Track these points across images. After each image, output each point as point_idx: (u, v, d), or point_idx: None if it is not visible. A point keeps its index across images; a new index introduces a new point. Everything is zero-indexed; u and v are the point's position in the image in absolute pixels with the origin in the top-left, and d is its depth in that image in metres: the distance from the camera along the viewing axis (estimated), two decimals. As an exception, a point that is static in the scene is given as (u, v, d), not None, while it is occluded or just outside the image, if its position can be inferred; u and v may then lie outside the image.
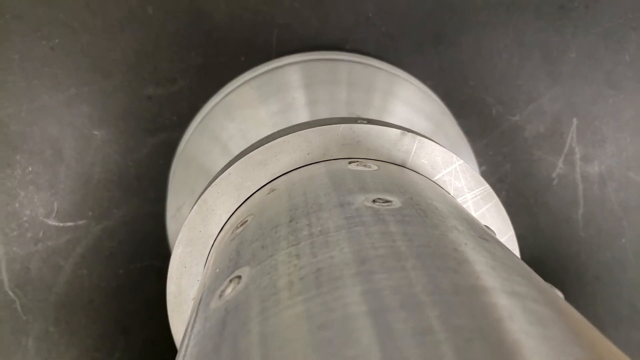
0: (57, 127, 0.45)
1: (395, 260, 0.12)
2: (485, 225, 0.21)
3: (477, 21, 0.47)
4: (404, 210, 0.16)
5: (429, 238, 0.14)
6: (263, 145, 0.22)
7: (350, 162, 0.22)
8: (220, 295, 0.15)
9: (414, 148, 0.23)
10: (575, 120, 0.49)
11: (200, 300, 0.16)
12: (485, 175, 0.49)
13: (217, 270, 0.17)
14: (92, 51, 0.44)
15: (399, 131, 0.23)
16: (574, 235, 0.51)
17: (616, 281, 0.52)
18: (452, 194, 0.23)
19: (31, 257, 0.47)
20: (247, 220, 0.19)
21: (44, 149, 0.45)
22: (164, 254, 0.48)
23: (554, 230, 0.51)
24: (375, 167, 0.21)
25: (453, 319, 0.10)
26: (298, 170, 0.22)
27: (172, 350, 0.47)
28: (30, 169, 0.46)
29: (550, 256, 0.51)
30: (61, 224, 0.47)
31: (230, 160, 0.24)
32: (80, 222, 0.47)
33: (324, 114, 0.39)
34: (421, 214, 0.16)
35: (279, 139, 0.22)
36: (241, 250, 0.17)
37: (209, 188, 0.23)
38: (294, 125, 0.24)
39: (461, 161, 0.23)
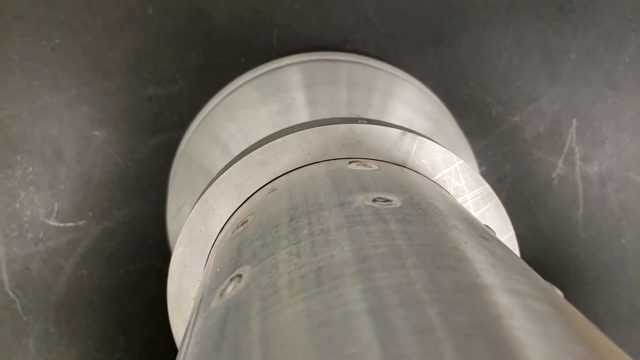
0: (57, 127, 0.45)
1: (396, 259, 0.12)
2: (485, 225, 0.21)
3: (477, 21, 0.47)
4: (404, 209, 0.16)
5: (429, 237, 0.14)
6: (263, 145, 0.22)
7: (350, 162, 0.22)
8: (221, 294, 0.15)
9: (414, 148, 0.23)
10: (575, 121, 0.49)
11: (201, 299, 0.16)
12: (485, 175, 0.49)
13: (218, 269, 0.17)
14: (93, 51, 0.45)
15: (399, 131, 0.23)
16: (574, 236, 0.51)
17: (616, 281, 0.52)
18: (452, 194, 0.23)
19: (32, 258, 0.47)
20: (247, 220, 0.19)
21: (44, 150, 0.45)
22: (165, 255, 0.48)
23: (554, 231, 0.51)
24: (376, 167, 0.21)
25: (453, 317, 0.10)
26: (298, 170, 0.22)
27: (173, 350, 0.47)
28: (30, 169, 0.46)
29: (550, 256, 0.51)
30: (61, 225, 0.47)
31: (231, 160, 0.24)
32: (81, 223, 0.47)
33: (324, 114, 0.39)
34: (421, 213, 0.16)
35: (279, 139, 0.22)
36: (242, 249, 0.17)
37: (209, 188, 0.23)
38: (294, 126, 0.24)
39: (461, 161, 0.23)
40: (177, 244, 0.23)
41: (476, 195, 0.24)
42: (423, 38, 0.47)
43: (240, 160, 0.22)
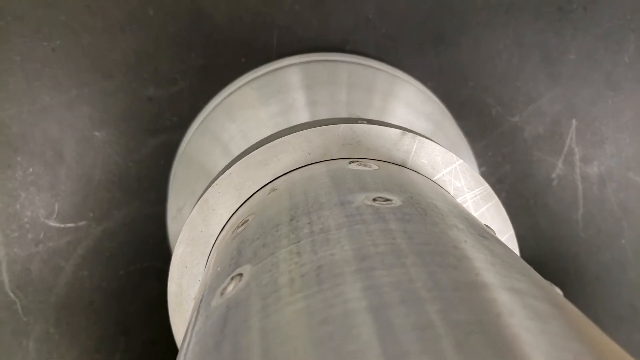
0: (58, 128, 0.45)
1: (396, 257, 0.12)
2: (485, 225, 0.21)
3: (476, 22, 0.47)
4: (404, 208, 0.16)
5: (429, 236, 0.14)
6: (264, 145, 0.22)
7: (350, 162, 0.22)
8: (222, 293, 0.15)
9: (414, 148, 0.23)
10: (574, 121, 0.49)
11: (202, 298, 0.17)
12: (485, 176, 0.49)
13: (219, 269, 0.17)
14: (93, 52, 0.45)
15: (399, 131, 0.23)
16: (574, 236, 0.51)
17: (616, 282, 0.52)
18: (452, 194, 0.23)
19: (32, 258, 0.47)
20: (248, 220, 0.19)
21: (44, 150, 0.46)
22: (165, 255, 0.48)
23: (554, 231, 0.51)
24: (376, 167, 0.21)
25: (453, 314, 0.10)
26: (299, 170, 0.22)
27: (173, 351, 0.47)
28: (31, 170, 0.46)
29: (550, 257, 0.51)
30: (62, 225, 0.47)
31: (231, 161, 0.24)
32: (81, 223, 0.47)
33: (324, 114, 0.40)
34: (421, 212, 0.16)
35: (279, 139, 0.22)
36: (242, 248, 0.17)
37: (210, 188, 0.23)
38: (294, 126, 0.24)
39: (461, 161, 0.23)
40: (177, 244, 0.23)
41: (476, 195, 0.24)
42: (423, 39, 0.47)
43: (240, 161, 0.22)
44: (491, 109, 0.48)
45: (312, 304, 0.11)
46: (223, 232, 0.22)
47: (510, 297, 0.11)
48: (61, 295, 0.47)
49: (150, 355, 0.49)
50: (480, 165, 0.49)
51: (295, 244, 0.15)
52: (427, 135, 0.24)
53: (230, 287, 0.15)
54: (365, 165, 0.21)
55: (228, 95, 0.44)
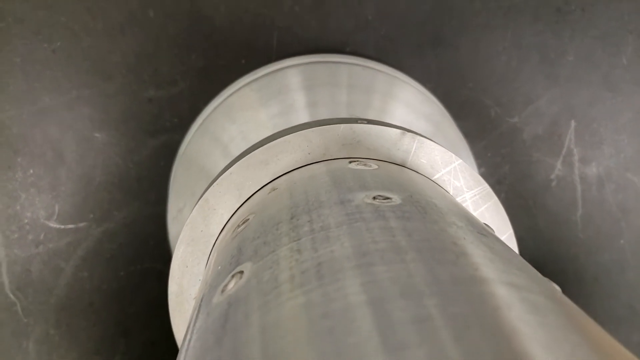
0: (58, 129, 0.45)
1: (395, 254, 0.13)
2: (485, 223, 0.21)
3: (475, 24, 0.47)
4: (404, 206, 0.16)
5: (428, 233, 0.14)
6: (264, 145, 0.23)
7: (350, 162, 0.22)
8: (223, 291, 0.15)
9: (414, 148, 0.23)
10: (573, 122, 0.49)
11: (202, 297, 0.17)
12: (484, 176, 0.49)
13: (219, 267, 0.17)
14: (93, 54, 0.45)
15: (398, 131, 0.23)
16: (573, 237, 0.51)
17: (615, 283, 0.52)
18: (451, 193, 0.24)
19: (32, 260, 0.47)
20: (248, 219, 0.19)
21: (45, 152, 0.46)
22: (165, 256, 0.48)
23: (553, 232, 0.51)
24: (375, 167, 0.21)
25: (451, 308, 0.10)
26: (299, 169, 0.23)
27: (173, 352, 0.48)
28: (31, 171, 0.46)
29: (549, 258, 0.51)
30: (62, 226, 0.47)
31: (232, 160, 0.24)
32: (81, 225, 0.47)
33: (324, 115, 0.40)
34: (420, 211, 0.16)
35: (279, 139, 0.23)
36: (243, 247, 0.17)
37: (210, 187, 0.23)
38: (294, 126, 0.24)
39: (460, 161, 0.23)
40: (178, 243, 0.23)
41: (475, 195, 0.24)
42: (422, 40, 0.47)
43: (241, 160, 0.23)
44: (490, 109, 0.49)
45: (312, 298, 0.11)
46: (223, 232, 0.22)
47: (509, 291, 0.11)
48: (61, 296, 0.47)
49: (150, 356, 0.49)
50: (479, 166, 0.49)
51: (295, 242, 0.15)
52: (426, 136, 0.24)
53: (231, 285, 0.15)
54: (365, 164, 0.21)
55: (228, 97, 0.44)
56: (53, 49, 0.44)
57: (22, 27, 0.44)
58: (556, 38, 0.48)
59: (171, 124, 0.46)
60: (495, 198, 0.24)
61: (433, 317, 0.10)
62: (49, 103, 0.45)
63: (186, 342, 0.15)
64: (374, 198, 0.17)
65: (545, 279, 0.14)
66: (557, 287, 0.14)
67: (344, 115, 0.40)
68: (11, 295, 0.47)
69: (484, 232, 0.16)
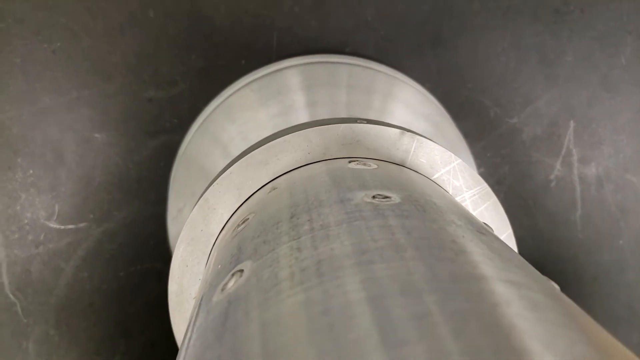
0: (58, 130, 0.46)
1: (394, 251, 0.13)
2: (484, 223, 0.21)
3: (474, 24, 0.47)
4: (403, 205, 0.16)
5: (428, 231, 0.14)
6: (264, 145, 0.23)
7: (350, 161, 0.22)
8: (223, 289, 0.15)
9: (413, 147, 0.23)
10: (572, 123, 0.49)
11: (202, 296, 0.17)
12: (484, 176, 0.49)
13: (219, 266, 0.18)
14: (93, 54, 0.45)
15: (398, 131, 0.23)
16: (572, 237, 0.51)
17: (614, 283, 0.52)
18: (450, 193, 0.24)
19: (32, 260, 0.47)
20: (248, 218, 0.20)
21: (45, 152, 0.46)
22: (165, 256, 0.48)
23: (552, 232, 0.51)
24: (375, 166, 0.21)
25: (450, 304, 0.10)
26: (298, 169, 0.23)
27: (173, 352, 0.48)
28: (31, 171, 0.46)
29: (549, 258, 0.52)
30: (62, 227, 0.47)
31: (232, 160, 0.24)
32: (81, 225, 0.47)
33: (323, 115, 0.40)
34: (420, 209, 0.16)
35: (279, 139, 0.23)
36: (243, 246, 0.17)
37: (210, 187, 0.23)
38: (294, 126, 0.24)
39: (459, 160, 0.23)
40: (178, 243, 0.23)
41: (474, 194, 0.24)
42: (422, 41, 0.47)
43: (241, 160, 0.23)
44: (489, 110, 0.49)
45: (312, 295, 0.11)
46: (223, 232, 0.22)
47: (508, 288, 0.11)
48: (61, 296, 0.47)
49: (150, 356, 0.49)
50: (479, 166, 0.50)
51: (295, 240, 0.15)
52: (426, 136, 0.24)
53: (231, 283, 0.15)
54: (364, 164, 0.21)
55: (228, 97, 0.44)
56: (53, 50, 0.44)
57: (22, 27, 0.44)
58: (555, 39, 0.48)
59: (171, 124, 0.46)
60: (494, 197, 0.24)
61: (432, 314, 0.10)
62: (49, 103, 0.45)
63: (186, 341, 0.15)
64: (374, 197, 0.17)
65: (544, 277, 0.14)
66: (556, 286, 0.15)
67: (343, 115, 0.40)
68: (11, 296, 0.47)
69: (483, 231, 0.16)
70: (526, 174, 0.50)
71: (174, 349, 0.26)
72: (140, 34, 0.45)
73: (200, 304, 0.16)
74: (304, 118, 0.39)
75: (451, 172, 0.24)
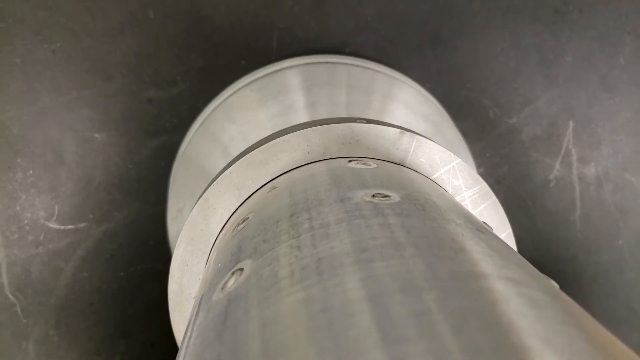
0: (58, 130, 0.46)
1: (394, 250, 0.13)
2: (483, 222, 0.21)
3: (474, 25, 0.47)
4: (403, 204, 0.16)
5: (427, 229, 0.14)
6: (264, 144, 0.23)
7: (350, 161, 0.22)
8: (223, 288, 0.15)
9: (413, 147, 0.23)
10: (571, 123, 0.49)
11: (202, 295, 0.17)
12: (483, 177, 0.49)
13: (219, 265, 0.18)
14: (93, 54, 0.45)
15: (397, 130, 0.23)
16: (572, 237, 0.51)
17: (613, 283, 0.52)
18: (450, 192, 0.24)
19: (32, 260, 0.47)
20: (248, 218, 0.20)
21: (45, 152, 0.46)
22: (165, 257, 0.48)
23: (552, 232, 0.51)
24: (375, 166, 0.21)
25: (450, 302, 0.10)
26: (298, 169, 0.23)
27: (173, 352, 0.48)
28: (31, 171, 0.46)
29: (548, 258, 0.52)
30: (62, 227, 0.47)
31: (232, 160, 0.24)
32: (81, 225, 0.47)
33: (323, 115, 0.40)
34: (419, 208, 0.16)
35: (279, 139, 0.23)
36: (243, 245, 0.17)
37: (210, 187, 0.23)
38: (294, 125, 0.24)
39: (459, 160, 0.24)
40: (178, 242, 0.23)
41: (474, 194, 0.24)
42: (421, 41, 0.47)
43: (240, 160, 0.23)
44: (489, 110, 0.49)
45: (312, 293, 0.11)
46: (223, 231, 0.22)
47: (507, 286, 0.11)
48: (61, 297, 0.47)
49: (150, 357, 0.49)
50: (478, 166, 0.50)
51: (295, 239, 0.15)
52: (425, 136, 0.24)
53: (231, 282, 0.15)
54: (364, 163, 0.21)
55: (228, 97, 0.44)
56: (53, 50, 0.44)
57: (22, 27, 0.44)
58: (554, 39, 0.48)
59: (171, 125, 0.47)
60: (493, 197, 0.24)
61: (432, 311, 0.10)
62: (49, 103, 0.45)
63: (186, 339, 0.15)
64: (373, 196, 0.17)
65: (543, 276, 0.14)
66: (555, 284, 0.15)
67: (343, 115, 0.40)
68: (11, 296, 0.47)
69: (482, 230, 0.16)
70: (525, 174, 0.50)
71: (174, 349, 0.26)
72: (140, 34, 0.45)
73: (200, 302, 0.16)
74: (303, 118, 0.40)
75: (450, 172, 0.24)
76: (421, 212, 0.16)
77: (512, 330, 0.10)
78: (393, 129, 0.23)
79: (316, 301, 0.11)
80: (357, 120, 0.23)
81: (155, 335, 0.49)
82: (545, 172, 0.50)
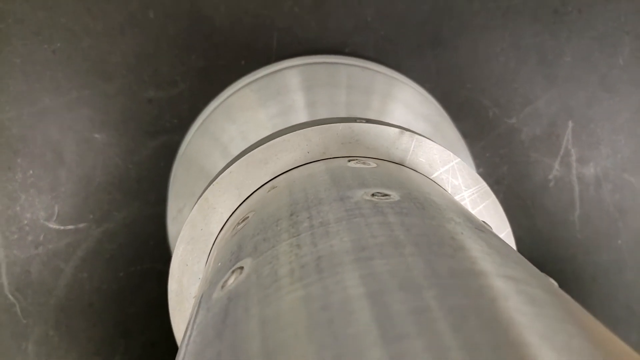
0: (58, 130, 0.46)
1: (393, 248, 0.13)
2: (483, 221, 0.21)
3: (474, 25, 0.47)
4: (402, 203, 0.16)
5: (427, 228, 0.14)
6: (263, 144, 0.23)
7: (349, 160, 0.22)
8: (223, 286, 0.15)
9: (412, 146, 0.23)
10: (570, 123, 0.50)
11: (202, 294, 0.17)
12: (483, 176, 0.50)
13: (219, 264, 0.18)
14: (93, 55, 0.45)
15: (397, 130, 0.23)
16: (571, 237, 0.51)
17: (612, 283, 0.52)
18: (449, 192, 0.24)
19: (31, 261, 0.47)
20: (248, 217, 0.20)
21: (45, 152, 0.46)
22: (165, 257, 0.48)
23: (551, 232, 0.51)
24: (374, 165, 0.21)
25: (449, 299, 0.10)
26: (298, 168, 0.23)
27: (173, 352, 0.48)
28: (31, 172, 0.46)
29: (547, 258, 0.52)
30: (62, 227, 0.47)
31: (232, 160, 0.24)
32: (81, 225, 0.47)
33: (323, 115, 0.40)
34: (419, 207, 0.16)
35: (279, 138, 0.23)
36: (243, 244, 0.17)
37: (210, 186, 0.23)
38: (294, 125, 0.24)
39: (458, 159, 0.24)
40: (178, 242, 0.23)
41: (473, 193, 0.24)
42: (421, 41, 0.47)
43: (240, 159, 0.23)
44: (488, 110, 0.49)
45: (312, 291, 0.12)
46: (223, 230, 0.22)
47: (506, 283, 0.11)
48: (61, 297, 0.47)
49: (150, 357, 0.49)
50: (478, 166, 0.50)
51: (295, 237, 0.15)
52: (425, 135, 0.24)
53: (231, 280, 0.15)
54: (364, 163, 0.21)
55: (228, 97, 0.44)
56: (53, 50, 0.44)
57: (22, 27, 0.44)
58: (554, 39, 0.48)
59: (171, 125, 0.47)
60: (493, 196, 0.24)
61: (431, 309, 0.10)
62: (49, 104, 0.45)
63: (186, 338, 0.15)
64: (373, 195, 0.17)
65: (542, 274, 0.14)
66: (554, 282, 0.15)
67: (343, 115, 0.40)
68: (10, 297, 0.47)
69: (481, 228, 0.16)
70: (525, 174, 0.50)
71: (173, 349, 0.26)
72: (140, 34, 0.45)
73: (200, 301, 0.16)
74: (303, 118, 0.40)
75: (450, 171, 0.24)
76: (421, 210, 0.16)
77: (512, 328, 0.10)
78: (392, 128, 0.23)
79: (316, 299, 0.11)
80: (357, 120, 0.23)
81: (155, 336, 0.49)
82: (544, 172, 0.50)
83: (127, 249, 0.48)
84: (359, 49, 0.47)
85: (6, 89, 0.44)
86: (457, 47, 0.47)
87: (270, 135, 0.24)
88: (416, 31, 0.47)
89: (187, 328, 0.16)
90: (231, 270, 0.16)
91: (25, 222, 0.46)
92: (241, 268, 0.15)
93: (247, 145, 0.31)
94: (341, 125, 0.23)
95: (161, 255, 0.48)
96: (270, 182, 0.22)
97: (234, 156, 0.32)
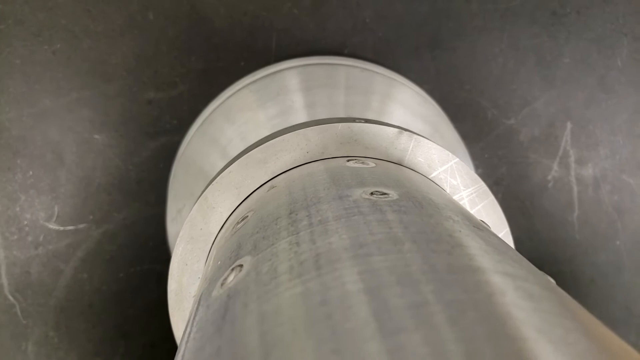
0: (58, 131, 0.46)
1: (392, 244, 0.13)
2: (481, 220, 0.21)
3: (472, 26, 0.47)
4: (401, 201, 0.16)
5: (425, 225, 0.14)
6: (263, 144, 0.23)
7: (348, 160, 0.22)
8: (222, 284, 0.15)
9: (411, 146, 0.23)
10: (569, 124, 0.50)
11: (202, 292, 0.17)
12: (482, 177, 0.49)
13: (219, 262, 0.18)
14: (93, 56, 0.45)
15: (395, 130, 0.23)
16: (569, 238, 0.51)
17: (611, 284, 0.52)
18: (448, 191, 0.24)
19: (31, 261, 0.47)
20: (247, 216, 0.20)
21: (44, 153, 0.46)
22: (165, 258, 0.48)
23: (550, 233, 0.51)
24: (373, 165, 0.22)
25: (447, 294, 0.10)
26: (297, 168, 0.23)
27: (173, 353, 0.48)
28: (31, 172, 0.46)
29: (546, 259, 0.52)
30: (62, 228, 0.47)
31: (231, 159, 0.24)
32: (81, 226, 0.47)
33: (322, 116, 0.40)
34: (417, 205, 0.16)
35: (278, 138, 0.23)
36: (242, 242, 0.17)
37: (210, 186, 0.23)
38: (293, 125, 0.24)
39: (457, 159, 0.24)
40: (177, 241, 0.23)
41: (472, 193, 0.24)
42: (419, 42, 0.47)
43: (240, 159, 0.23)
44: (487, 111, 0.49)
45: (310, 287, 0.12)
46: (223, 230, 0.23)
47: (503, 279, 0.11)
48: (60, 298, 0.47)
49: (150, 358, 0.49)
50: (477, 167, 0.50)
51: (294, 235, 0.15)
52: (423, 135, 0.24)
53: (231, 278, 0.15)
54: (363, 163, 0.22)
55: (227, 98, 0.44)
56: (53, 51, 0.45)
57: (22, 28, 0.44)
58: (552, 40, 0.48)
59: (171, 126, 0.47)
60: (491, 196, 0.24)
61: (429, 303, 0.10)
62: (49, 105, 0.45)
63: (186, 335, 0.15)
64: (372, 194, 0.17)
65: (540, 272, 0.14)
66: (552, 280, 0.15)
67: (342, 116, 0.40)
68: (10, 297, 0.47)
69: (479, 227, 0.16)
70: (523, 174, 0.50)
71: (173, 349, 0.26)
72: (140, 36, 0.45)
73: (200, 299, 0.16)
74: (302, 119, 0.40)
75: (448, 171, 0.24)
76: (419, 209, 0.16)
77: (509, 322, 0.10)
78: (391, 128, 0.23)
79: (314, 294, 0.11)
80: (356, 120, 0.23)
81: (155, 336, 0.49)
82: (543, 173, 0.50)
83: (127, 250, 0.48)
84: (358, 50, 0.47)
85: (6, 89, 0.44)
86: (455, 48, 0.48)
87: (269, 135, 0.24)
88: (415, 32, 0.47)
89: (187, 326, 0.16)
90: (231, 268, 0.16)
91: (25, 222, 0.46)
92: (241, 266, 0.15)
93: (247, 146, 0.31)
94: (340, 125, 0.23)
95: (161, 256, 0.48)
96: (269, 182, 0.23)
97: (233, 157, 0.32)
